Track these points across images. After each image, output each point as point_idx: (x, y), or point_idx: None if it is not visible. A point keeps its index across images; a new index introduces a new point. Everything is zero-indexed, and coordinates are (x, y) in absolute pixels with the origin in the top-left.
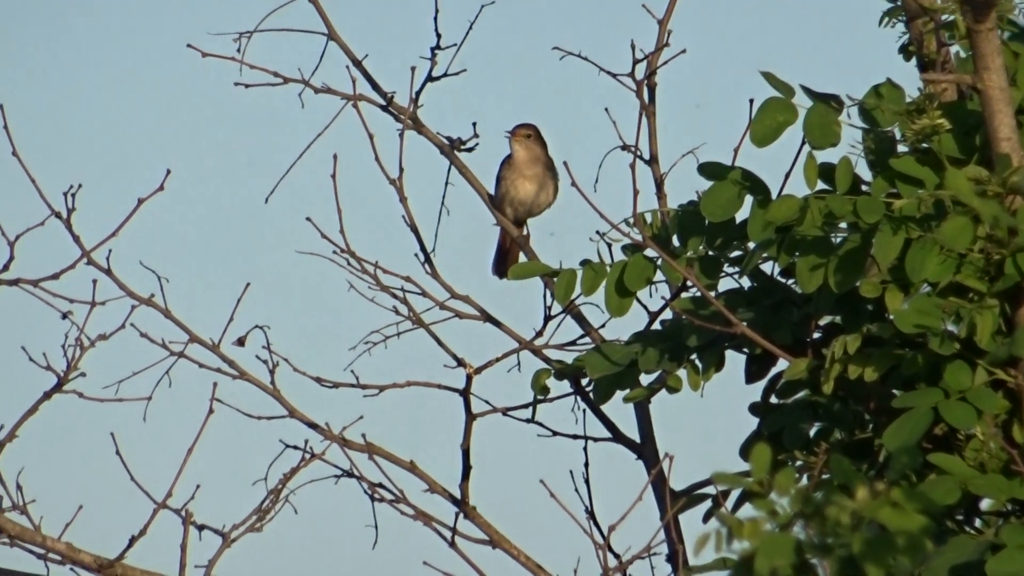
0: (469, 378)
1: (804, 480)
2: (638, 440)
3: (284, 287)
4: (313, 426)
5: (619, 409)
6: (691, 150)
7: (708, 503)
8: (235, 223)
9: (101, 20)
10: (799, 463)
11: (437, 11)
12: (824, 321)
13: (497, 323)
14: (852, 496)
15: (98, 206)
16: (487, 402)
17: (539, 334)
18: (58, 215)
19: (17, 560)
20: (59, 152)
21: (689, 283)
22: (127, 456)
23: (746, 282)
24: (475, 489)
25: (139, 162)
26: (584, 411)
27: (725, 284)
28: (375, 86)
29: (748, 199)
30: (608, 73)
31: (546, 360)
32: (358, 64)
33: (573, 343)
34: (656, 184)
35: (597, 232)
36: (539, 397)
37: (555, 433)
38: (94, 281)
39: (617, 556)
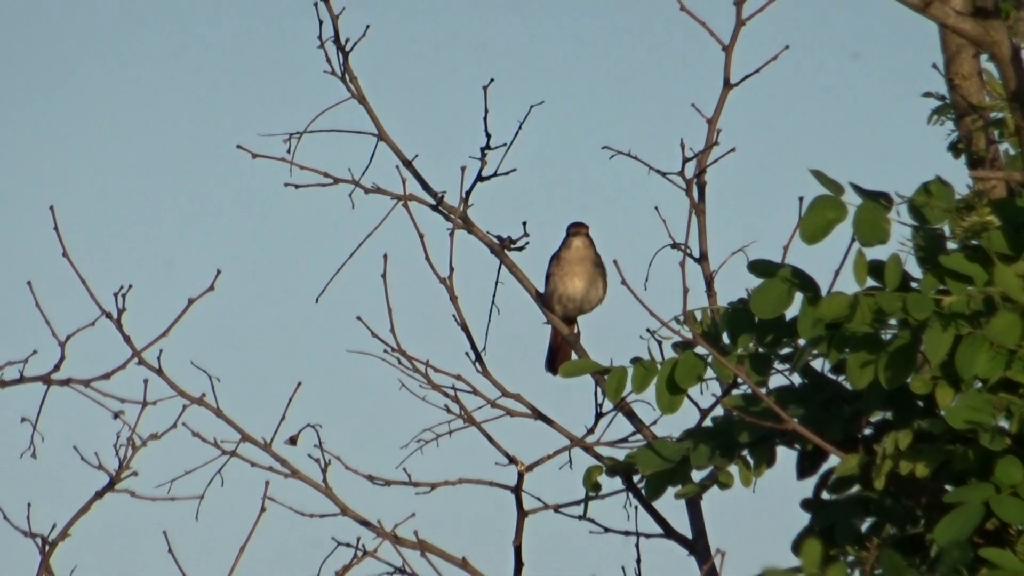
0: (521, 475)
1: (856, 575)
2: (690, 536)
3: (335, 386)
4: (365, 524)
5: (671, 505)
6: (741, 248)
7: None
8: (286, 323)
9: (152, 122)
10: (851, 558)
11: (487, 111)
12: (875, 417)
13: (548, 421)
14: None
15: (149, 306)
16: (539, 499)
17: (590, 431)
18: (108, 315)
19: None
20: (109, 253)
21: (740, 380)
22: (180, 555)
23: (797, 379)
24: None
25: (189, 262)
26: (636, 507)
27: (776, 381)
28: (425, 186)
29: (798, 296)
30: (658, 172)
31: (598, 457)
32: (408, 164)
33: (624, 440)
34: (706, 282)
35: (648, 330)
36: (591, 494)
37: (607, 530)
38: (145, 381)
39: None
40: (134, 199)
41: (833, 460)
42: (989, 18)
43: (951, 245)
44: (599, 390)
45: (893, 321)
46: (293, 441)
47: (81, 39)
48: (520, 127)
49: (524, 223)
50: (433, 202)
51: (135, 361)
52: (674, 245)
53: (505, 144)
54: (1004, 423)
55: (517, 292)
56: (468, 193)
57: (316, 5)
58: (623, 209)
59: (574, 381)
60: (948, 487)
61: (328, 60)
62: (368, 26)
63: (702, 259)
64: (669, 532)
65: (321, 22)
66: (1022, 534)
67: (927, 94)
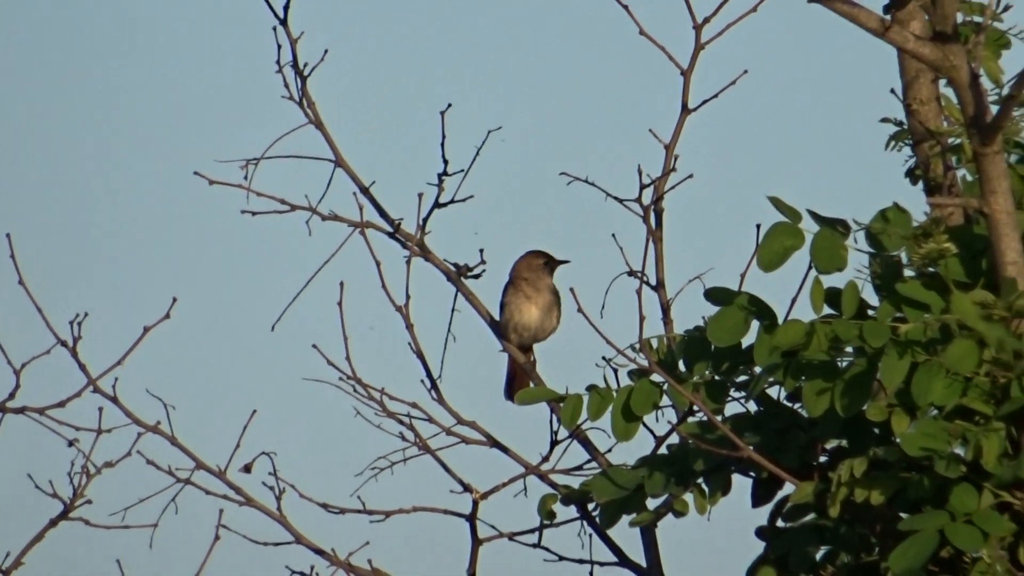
0: (475, 503)
1: None
2: (645, 564)
3: (290, 414)
4: (320, 552)
5: (626, 534)
6: (698, 275)
7: None
8: (241, 350)
9: (106, 147)
10: None
11: (444, 137)
12: (830, 445)
13: (503, 448)
14: None
15: (104, 334)
16: (493, 527)
17: (545, 459)
18: (64, 343)
19: None
20: (65, 281)
21: (695, 407)
22: None
23: (753, 406)
24: None
25: (145, 290)
26: (591, 536)
27: (732, 408)
28: (382, 213)
29: (754, 324)
30: (615, 198)
31: (553, 485)
32: (365, 191)
33: (580, 468)
34: (663, 309)
35: (604, 357)
36: (546, 522)
37: (562, 558)
38: (100, 409)
39: None
40: (90, 226)
41: (788, 488)
42: (948, 43)
43: (908, 272)
44: (555, 417)
45: (849, 349)
46: (247, 469)
47: (40, 62)
48: (477, 153)
49: (481, 250)
50: (390, 229)
51: (90, 389)
52: (631, 272)
53: (462, 171)
54: (960, 450)
55: (474, 320)
56: (425, 220)
57: (275, 29)
58: (581, 236)
59: (530, 408)
60: (903, 515)
61: (286, 85)
62: (326, 51)
63: (659, 286)
64: (624, 560)
65: (279, 46)
66: (977, 562)
67: (885, 119)
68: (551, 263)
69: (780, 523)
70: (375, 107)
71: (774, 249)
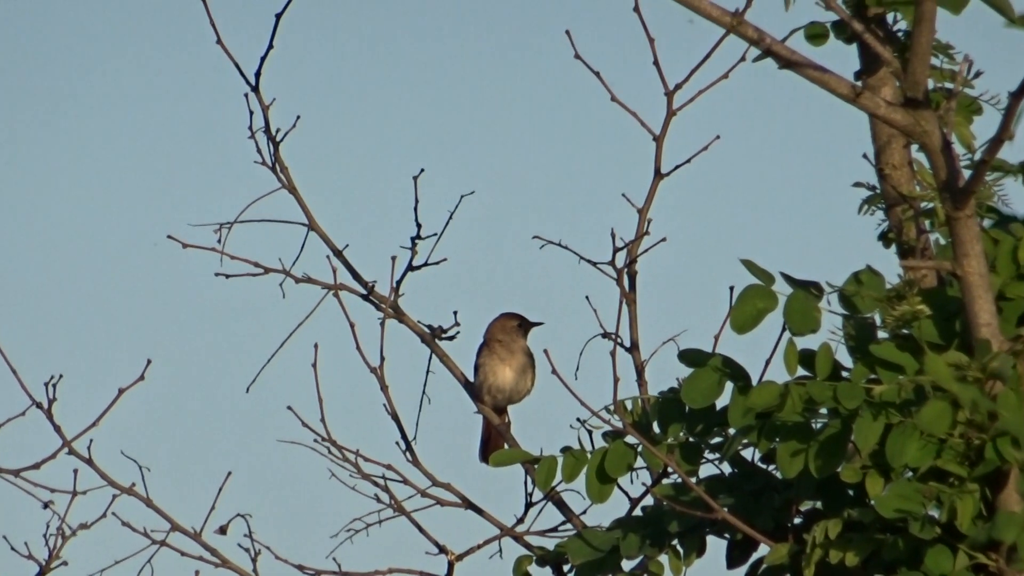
0: (451, 565)
1: None
2: None
3: (265, 476)
4: None
5: None
6: (671, 337)
7: None
8: (216, 412)
9: (79, 212)
10: None
11: (417, 201)
12: (805, 506)
13: (479, 510)
14: None
15: (79, 396)
16: None
17: (520, 520)
18: (39, 405)
19: None
20: (40, 343)
21: (670, 469)
22: None
23: (727, 468)
24: None
25: (120, 352)
26: None
27: (706, 470)
28: (356, 275)
29: (728, 385)
30: (588, 261)
31: (528, 546)
32: (338, 254)
33: (555, 529)
34: (637, 371)
35: (578, 419)
36: None
37: None
38: (75, 471)
39: None
40: (63, 288)
41: (763, 549)
42: (920, 108)
43: (882, 334)
44: (529, 479)
45: (824, 410)
46: (223, 531)
47: (12, 120)
48: (451, 217)
49: (455, 312)
50: (364, 291)
51: (65, 451)
52: (605, 334)
53: (436, 234)
54: (934, 512)
55: (448, 381)
56: (399, 283)
57: (247, 96)
58: (554, 298)
59: (504, 470)
60: None
61: (259, 150)
62: (299, 117)
63: (633, 348)
64: None
65: (252, 112)
66: None
67: (857, 184)
68: (524, 325)
69: None
70: (348, 171)
71: (747, 311)
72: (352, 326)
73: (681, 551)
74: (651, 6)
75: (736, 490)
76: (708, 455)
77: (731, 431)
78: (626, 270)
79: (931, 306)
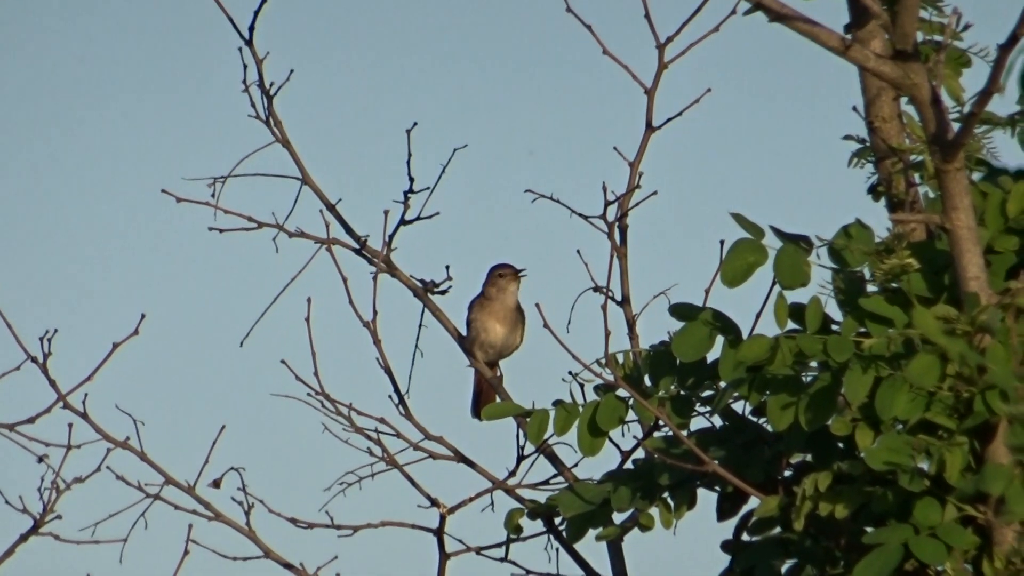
0: (443, 518)
1: None
2: None
3: (259, 429)
4: (288, 566)
5: (592, 548)
6: (662, 291)
7: None
8: (210, 366)
9: (76, 166)
10: None
11: (410, 155)
12: (795, 459)
13: (471, 463)
14: None
15: (73, 351)
16: (461, 541)
17: (512, 474)
18: (34, 360)
19: None
20: (35, 298)
21: (661, 422)
22: None
23: (718, 421)
24: None
25: (114, 307)
26: (557, 550)
27: (697, 423)
28: (348, 230)
29: (719, 339)
30: (579, 215)
31: (519, 500)
32: (332, 208)
33: (546, 482)
34: (628, 325)
35: (570, 373)
36: (512, 536)
37: (528, 572)
38: (70, 425)
39: None
40: (59, 244)
41: (753, 502)
42: (909, 61)
43: (871, 288)
44: (521, 433)
45: (814, 363)
46: (217, 484)
47: (7, 77)
48: (443, 171)
49: (447, 266)
50: (356, 246)
51: (60, 405)
52: (596, 288)
53: (428, 188)
54: (923, 464)
55: (440, 335)
56: (391, 237)
57: (240, 50)
58: (546, 252)
59: (496, 424)
60: (867, 528)
61: (253, 104)
62: (292, 70)
63: (624, 302)
64: (590, 574)
65: (245, 66)
66: (941, 574)
67: (847, 137)
68: (504, 272)
69: (745, 537)
70: (341, 126)
71: (737, 265)
72: (345, 280)
73: (672, 504)
74: None
75: (727, 443)
76: (699, 408)
77: (722, 384)
78: (617, 224)
79: (920, 259)
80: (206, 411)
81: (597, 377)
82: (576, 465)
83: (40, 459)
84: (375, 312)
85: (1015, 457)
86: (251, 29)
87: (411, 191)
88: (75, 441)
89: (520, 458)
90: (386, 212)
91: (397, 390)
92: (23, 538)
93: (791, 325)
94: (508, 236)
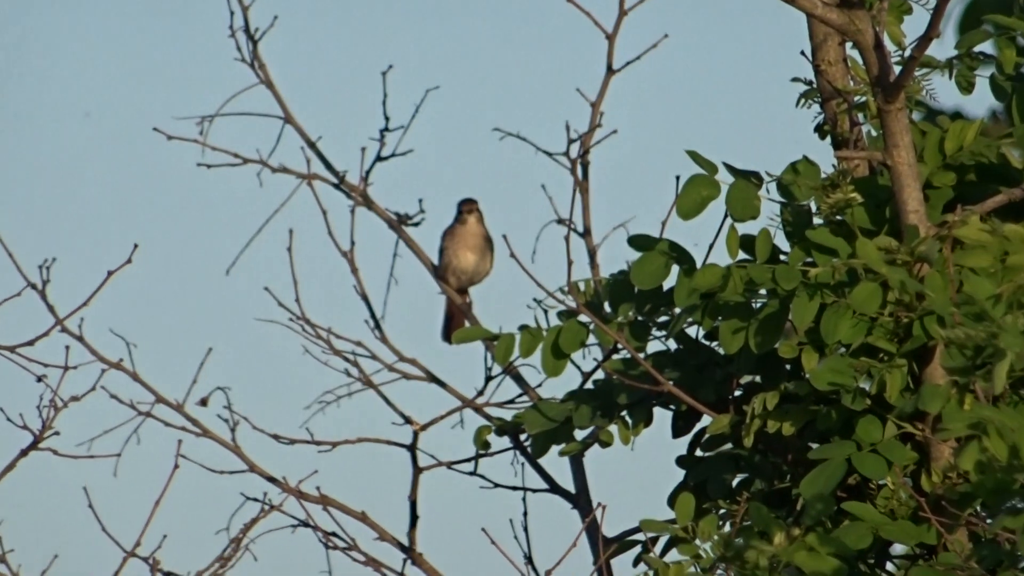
0: (416, 434)
1: (726, 527)
2: (573, 491)
3: (244, 352)
4: (271, 480)
5: (555, 462)
6: (622, 223)
7: (638, 549)
8: (198, 293)
9: (72, 103)
10: (722, 511)
11: (386, 96)
12: (745, 380)
13: (442, 383)
14: (771, 541)
15: (71, 278)
16: (432, 456)
17: (480, 393)
18: (33, 286)
19: None
20: (34, 228)
21: (620, 346)
22: (98, 509)
23: (673, 345)
24: (422, 537)
25: (109, 237)
26: (523, 464)
27: (653, 347)
28: (328, 166)
29: (674, 268)
30: (544, 152)
31: (487, 417)
32: (312, 145)
33: (512, 401)
34: (589, 255)
35: (534, 299)
36: (481, 452)
37: (496, 485)
38: (67, 347)
39: None
40: (56, 177)
41: (706, 420)
42: (854, 8)
43: (817, 220)
44: (489, 355)
45: (763, 291)
46: (204, 403)
47: (5, 18)
48: (417, 110)
49: (420, 200)
50: (335, 181)
51: (58, 329)
52: (559, 220)
53: (403, 127)
54: (865, 385)
55: (414, 265)
56: (368, 172)
57: None
58: (513, 187)
59: (466, 347)
60: (813, 445)
61: (239, 48)
62: (276, 17)
63: (586, 234)
64: (554, 487)
65: (232, 12)
66: (882, 488)
67: (795, 79)
68: (466, 206)
69: (699, 453)
70: (322, 68)
71: (692, 199)
72: (324, 213)
73: (630, 421)
74: None
75: (681, 365)
76: (655, 333)
77: (677, 310)
78: (579, 160)
79: (863, 194)
80: (194, 334)
81: (560, 303)
82: (540, 385)
83: (39, 379)
84: (352, 243)
85: (951, 378)
86: None
87: (387, 129)
88: (72, 362)
89: (488, 379)
90: (363, 149)
91: (373, 315)
92: (23, 453)
93: (742, 255)
94: (478, 172)
